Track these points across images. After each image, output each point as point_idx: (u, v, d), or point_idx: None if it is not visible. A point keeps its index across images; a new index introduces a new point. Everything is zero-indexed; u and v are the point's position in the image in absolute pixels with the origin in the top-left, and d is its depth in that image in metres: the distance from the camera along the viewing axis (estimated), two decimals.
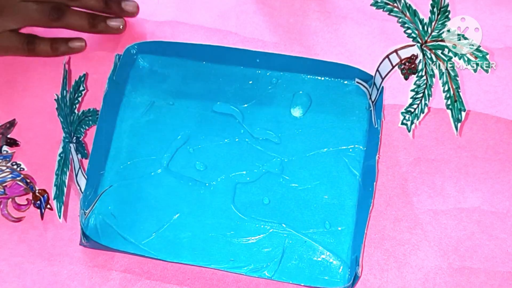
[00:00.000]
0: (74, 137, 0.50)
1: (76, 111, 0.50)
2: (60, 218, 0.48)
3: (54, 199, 0.47)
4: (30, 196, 0.53)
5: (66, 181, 0.49)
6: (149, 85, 0.58)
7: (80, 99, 0.50)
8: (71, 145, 0.49)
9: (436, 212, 0.53)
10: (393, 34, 0.48)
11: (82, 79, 0.49)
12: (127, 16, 0.62)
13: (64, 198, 0.48)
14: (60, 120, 0.47)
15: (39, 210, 0.53)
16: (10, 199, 0.53)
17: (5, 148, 0.55)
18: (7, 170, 0.53)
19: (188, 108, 0.57)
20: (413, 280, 0.50)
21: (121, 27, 0.60)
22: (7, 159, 0.54)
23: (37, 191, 0.53)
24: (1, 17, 0.54)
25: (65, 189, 0.48)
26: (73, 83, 0.49)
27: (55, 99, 0.46)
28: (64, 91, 0.47)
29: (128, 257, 0.51)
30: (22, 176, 0.53)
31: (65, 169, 0.48)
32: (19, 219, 0.53)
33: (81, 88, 0.50)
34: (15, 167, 0.54)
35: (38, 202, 0.53)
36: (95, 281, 0.51)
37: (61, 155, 0.47)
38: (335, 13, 0.63)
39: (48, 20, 0.56)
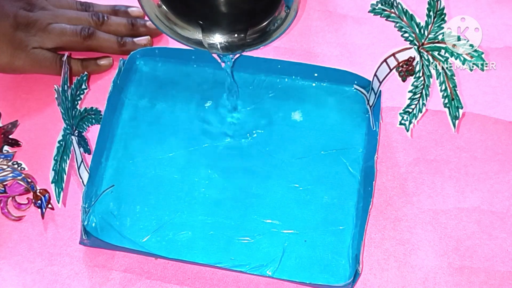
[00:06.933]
0: (76, 131, 0.52)
1: (78, 107, 0.52)
2: (58, 203, 0.50)
3: (52, 183, 0.49)
4: (30, 195, 0.53)
5: (66, 169, 0.51)
6: (151, 89, 0.59)
7: (82, 96, 0.52)
8: (72, 137, 0.51)
9: (436, 212, 0.53)
10: (393, 33, 0.49)
11: (84, 78, 0.51)
12: (155, 36, 0.63)
13: (63, 184, 0.50)
14: (61, 111, 0.49)
15: (39, 210, 0.53)
16: (11, 198, 0.53)
17: (6, 148, 0.56)
18: (8, 169, 0.53)
19: (189, 111, 0.58)
20: (413, 279, 0.50)
21: (148, 43, 0.62)
22: (8, 158, 0.54)
23: (38, 190, 0.53)
24: (37, 35, 0.58)
25: (64, 176, 0.51)
26: (74, 81, 0.51)
27: (54, 89, 0.48)
28: (66, 86, 0.50)
29: (128, 257, 0.51)
30: (23, 175, 0.53)
31: (65, 157, 0.50)
32: (19, 218, 0.53)
33: (83, 86, 0.52)
34: (16, 166, 0.54)
35: (39, 201, 0.53)
36: (95, 281, 0.50)
37: (61, 142, 0.50)
38: (336, 12, 0.63)
39: (80, 39, 0.60)
